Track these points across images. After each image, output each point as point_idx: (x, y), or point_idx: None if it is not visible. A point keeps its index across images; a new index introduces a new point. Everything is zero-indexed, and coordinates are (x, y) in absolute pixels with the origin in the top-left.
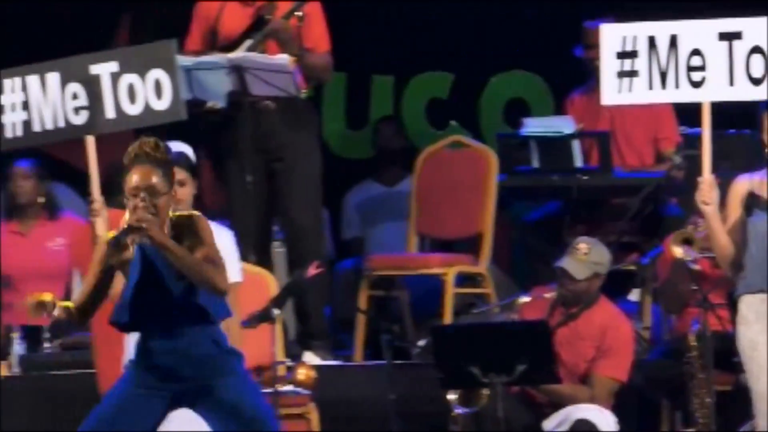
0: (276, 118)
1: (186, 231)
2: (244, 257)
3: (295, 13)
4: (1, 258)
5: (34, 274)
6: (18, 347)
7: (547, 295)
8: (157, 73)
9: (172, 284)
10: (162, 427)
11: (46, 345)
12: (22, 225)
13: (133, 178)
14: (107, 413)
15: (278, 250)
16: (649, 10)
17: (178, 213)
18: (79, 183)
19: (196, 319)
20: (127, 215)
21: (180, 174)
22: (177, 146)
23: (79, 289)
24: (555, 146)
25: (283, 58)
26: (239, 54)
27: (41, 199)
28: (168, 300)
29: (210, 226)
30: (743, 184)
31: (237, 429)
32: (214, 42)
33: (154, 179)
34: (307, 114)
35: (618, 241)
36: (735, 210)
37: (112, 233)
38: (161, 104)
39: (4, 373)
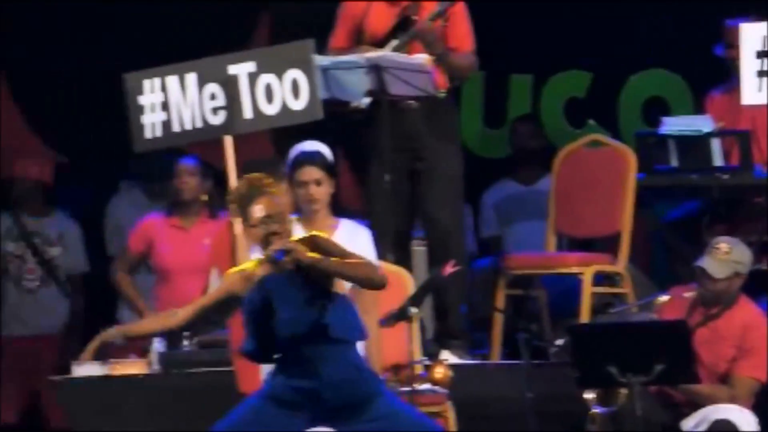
0: (418, 117)
1: (312, 249)
2: (382, 256)
3: (440, 15)
4: (161, 252)
5: (190, 270)
6: (157, 345)
7: (687, 295)
8: (294, 73)
9: (304, 312)
10: None
11: (185, 343)
12: (183, 220)
13: (258, 209)
14: (242, 423)
15: (418, 249)
16: None
17: (297, 238)
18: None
19: (332, 343)
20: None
21: (317, 173)
22: (314, 146)
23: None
24: (694, 145)
25: (421, 58)
26: (377, 53)
27: (204, 197)
28: (302, 327)
29: (328, 237)
30: None
31: None
32: (360, 41)
33: (277, 208)
34: (449, 113)
35: (759, 240)
36: None
37: (260, 258)
38: (298, 104)
39: (144, 370)
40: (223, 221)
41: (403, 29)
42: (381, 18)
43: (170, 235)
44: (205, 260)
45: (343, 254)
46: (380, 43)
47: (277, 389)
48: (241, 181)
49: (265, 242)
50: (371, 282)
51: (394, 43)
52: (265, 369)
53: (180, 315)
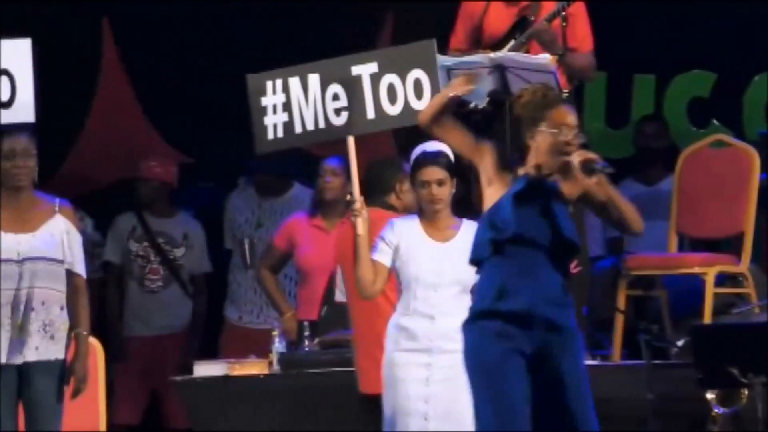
0: None
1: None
2: None
3: (559, 15)
4: (302, 253)
5: (330, 271)
6: (278, 345)
7: None
8: (416, 73)
9: (555, 224)
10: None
11: (306, 343)
12: (325, 221)
13: (564, 117)
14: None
15: None
16: None
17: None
18: None
19: (556, 262)
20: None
21: (439, 173)
22: (436, 146)
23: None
24: None
25: (544, 58)
26: (500, 53)
27: (348, 197)
28: (543, 238)
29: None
30: None
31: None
32: (479, 41)
33: (575, 120)
34: None
35: None
36: None
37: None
38: (421, 104)
39: (264, 371)
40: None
41: (521, 30)
42: (499, 18)
43: (312, 235)
44: None
45: None
46: (498, 44)
47: (494, 325)
48: (528, 90)
49: (557, 151)
50: (635, 225)
51: (512, 43)
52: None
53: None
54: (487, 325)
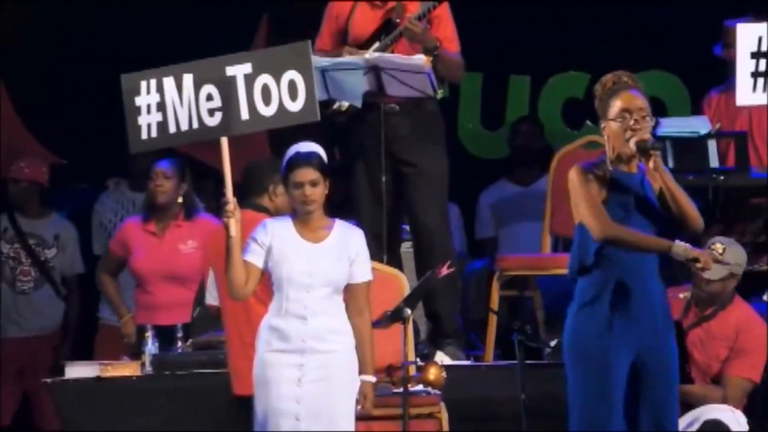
0: (402, 120)
1: None
2: (374, 257)
3: (425, 16)
4: (136, 258)
5: (164, 276)
6: (151, 347)
7: (682, 296)
8: (291, 75)
9: (659, 221)
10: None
11: (179, 345)
12: (158, 225)
13: (622, 102)
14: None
15: (406, 250)
16: None
17: None
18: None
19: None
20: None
21: (312, 174)
22: (309, 147)
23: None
24: (691, 146)
25: (419, 58)
26: (376, 54)
27: (180, 200)
28: (646, 229)
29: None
30: None
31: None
32: (344, 42)
33: (642, 103)
34: (434, 116)
35: (754, 241)
36: None
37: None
38: (295, 105)
39: (137, 372)
40: (202, 222)
41: (386, 32)
42: (365, 20)
43: (144, 240)
44: (182, 266)
45: None
46: (363, 46)
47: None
48: (607, 77)
49: (620, 137)
50: (697, 222)
51: (377, 45)
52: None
53: None
54: None
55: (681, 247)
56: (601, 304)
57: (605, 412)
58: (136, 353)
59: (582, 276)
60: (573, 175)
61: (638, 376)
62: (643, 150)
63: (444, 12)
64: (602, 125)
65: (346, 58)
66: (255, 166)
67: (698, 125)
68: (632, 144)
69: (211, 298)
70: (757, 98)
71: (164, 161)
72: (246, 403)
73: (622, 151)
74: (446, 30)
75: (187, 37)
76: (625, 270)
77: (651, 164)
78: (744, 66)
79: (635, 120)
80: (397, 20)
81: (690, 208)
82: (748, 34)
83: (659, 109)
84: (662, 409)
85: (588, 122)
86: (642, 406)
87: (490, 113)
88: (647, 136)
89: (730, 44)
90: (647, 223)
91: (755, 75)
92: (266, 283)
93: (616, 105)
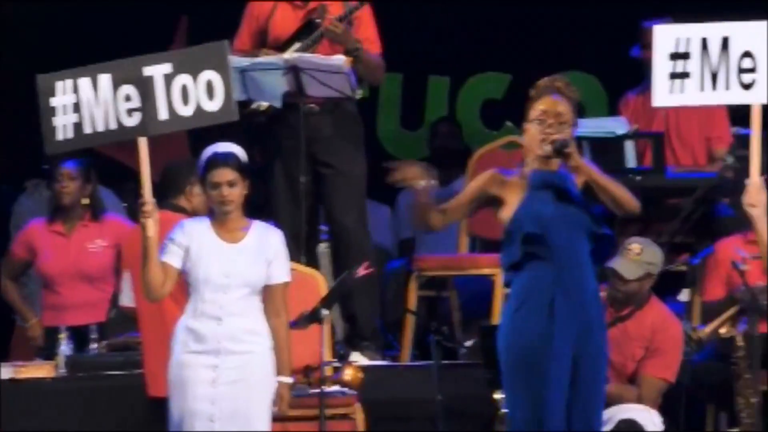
0: (320, 120)
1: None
2: (293, 257)
3: (347, 17)
4: (43, 259)
5: (73, 276)
6: (65, 348)
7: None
8: (209, 75)
9: (583, 215)
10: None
11: (93, 346)
12: (65, 226)
13: (542, 105)
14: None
15: (323, 251)
16: (706, 10)
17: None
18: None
19: (588, 256)
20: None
21: (230, 175)
22: (227, 147)
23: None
24: (608, 147)
25: (339, 59)
26: (295, 54)
27: (85, 201)
28: (573, 228)
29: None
30: None
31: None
32: (263, 43)
33: (562, 108)
34: (353, 116)
35: (670, 241)
36: None
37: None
38: (213, 105)
39: (51, 374)
40: (110, 223)
41: (307, 33)
42: (286, 21)
43: (51, 241)
44: (91, 265)
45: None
46: (284, 46)
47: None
48: (542, 80)
49: (535, 140)
50: (631, 206)
51: (297, 45)
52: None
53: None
54: None
55: None
56: (537, 304)
57: (545, 412)
58: (47, 355)
59: (515, 276)
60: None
61: (573, 375)
62: (557, 151)
63: (366, 13)
64: (524, 126)
65: (266, 58)
66: (172, 167)
67: (616, 126)
68: (546, 148)
69: (126, 300)
70: (675, 99)
71: (69, 162)
72: (161, 405)
73: (536, 153)
74: (368, 31)
75: (104, 37)
76: (559, 269)
77: (572, 163)
78: (661, 67)
79: (549, 124)
80: (319, 21)
81: (620, 192)
82: (665, 36)
83: (577, 110)
84: (590, 408)
85: (507, 123)
86: (574, 406)
87: (410, 114)
88: (558, 136)
89: (647, 45)
90: (570, 219)
91: (672, 76)
92: (181, 284)
93: (536, 108)
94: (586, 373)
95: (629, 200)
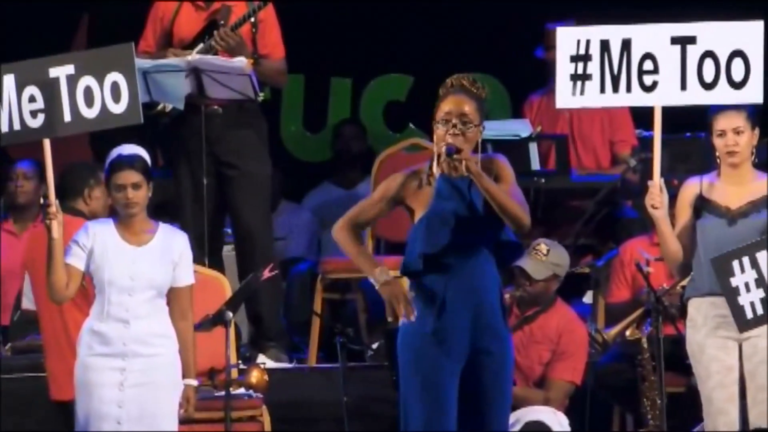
0: (224, 122)
1: (487, 171)
2: (197, 260)
3: (249, 20)
4: None
5: (21, 275)
6: None
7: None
8: (114, 76)
9: (482, 221)
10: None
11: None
12: (17, 225)
13: (447, 106)
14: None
15: (228, 253)
16: (608, 12)
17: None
18: None
19: (489, 260)
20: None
21: (134, 177)
22: (132, 149)
23: None
24: (512, 149)
25: (241, 61)
26: (197, 56)
27: (41, 201)
28: (472, 235)
29: (511, 167)
30: (693, 186)
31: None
32: (168, 44)
33: (467, 108)
34: (257, 118)
35: (575, 243)
36: (685, 212)
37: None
38: (118, 107)
39: None
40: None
41: (210, 34)
42: (190, 22)
43: (2, 240)
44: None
45: (512, 188)
46: (188, 47)
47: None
48: (449, 79)
49: (440, 141)
50: (520, 223)
51: (200, 47)
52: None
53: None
54: None
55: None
56: (432, 306)
57: (437, 414)
58: None
59: (414, 278)
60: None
61: (470, 378)
62: (448, 156)
63: (270, 16)
64: (434, 127)
65: (168, 60)
66: (70, 170)
67: (519, 128)
68: (438, 151)
69: (28, 302)
70: (577, 101)
71: (25, 162)
72: (64, 408)
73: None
74: (272, 35)
75: (3, 38)
76: (456, 271)
77: (462, 170)
78: (564, 69)
79: (454, 125)
80: (222, 22)
81: (511, 209)
82: (568, 38)
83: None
84: (492, 410)
85: (410, 125)
86: (475, 407)
87: (313, 116)
88: (448, 140)
89: (551, 47)
90: (469, 227)
91: (575, 78)
92: (83, 286)
93: (442, 109)
94: (487, 374)
95: (519, 217)
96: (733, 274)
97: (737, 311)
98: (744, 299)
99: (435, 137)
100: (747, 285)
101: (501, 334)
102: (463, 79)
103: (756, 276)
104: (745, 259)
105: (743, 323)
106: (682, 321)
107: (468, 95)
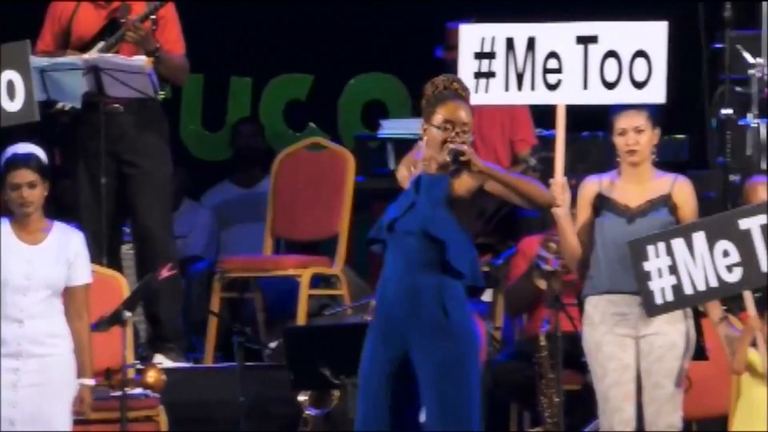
0: (125, 121)
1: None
2: (94, 259)
3: (150, 17)
4: None
5: None
6: None
7: None
8: (9, 75)
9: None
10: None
11: None
12: None
13: (446, 113)
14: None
15: (127, 252)
16: (511, 13)
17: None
18: None
19: (440, 267)
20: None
21: (30, 176)
22: (27, 148)
23: None
24: (412, 148)
25: (140, 60)
26: (95, 55)
27: None
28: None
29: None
30: (592, 185)
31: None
32: (67, 43)
33: (465, 117)
34: (158, 117)
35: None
36: (584, 211)
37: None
38: (14, 106)
39: None
40: None
41: (110, 32)
42: (89, 20)
43: None
44: None
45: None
46: (88, 46)
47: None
48: (430, 84)
49: (441, 148)
50: (541, 200)
51: (101, 45)
52: None
53: None
54: None
55: None
56: (378, 303)
57: (371, 412)
58: None
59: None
60: None
61: (416, 376)
62: (454, 160)
63: (170, 13)
64: (423, 126)
65: (66, 58)
66: None
67: (419, 127)
68: (445, 157)
69: None
70: (481, 98)
71: None
72: None
73: (436, 158)
74: (172, 32)
75: None
76: (393, 270)
77: (473, 169)
78: (466, 66)
79: (456, 133)
80: (122, 20)
81: (530, 188)
82: (471, 35)
83: (380, 111)
84: (446, 409)
85: (311, 124)
86: (428, 407)
87: (212, 115)
88: (453, 146)
89: (451, 46)
90: (421, 224)
91: (478, 75)
92: None
93: (440, 113)
94: (427, 374)
95: (541, 194)
96: (647, 259)
97: (647, 296)
98: (655, 284)
99: (427, 137)
100: (660, 271)
101: (442, 337)
102: (454, 83)
103: (669, 263)
104: (661, 245)
105: (651, 308)
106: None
107: (463, 102)
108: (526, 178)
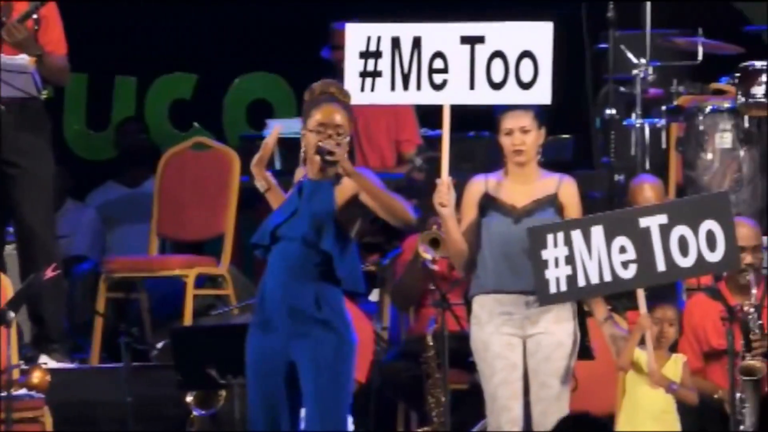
0: (6, 121)
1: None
2: None
3: (31, 16)
4: None
5: None
6: None
7: None
8: None
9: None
10: None
11: None
12: None
13: (320, 116)
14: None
15: (10, 252)
16: (399, 12)
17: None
18: None
19: (321, 274)
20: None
21: None
22: None
23: None
24: (297, 147)
25: (23, 59)
26: None
27: None
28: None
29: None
30: (478, 185)
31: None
32: None
33: (340, 119)
34: (40, 116)
35: (360, 241)
36: (470, 211)
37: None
38: None
39: None
40: None
41: None
42: None
43: None
44: None
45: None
46: None
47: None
48: (317, 84)
49: (312, 149)
50: (404, 218)
51: None
52: None
53: None
54: None
55: None
56: (258, 308)
57: (264, 413)
58: None
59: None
60: None
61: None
62: (321, 158)
63: (52, 13)
64: (302, 132)
65: None
66: None
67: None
68: (316, 157)
69: None
70: (367, 98)
71: None
72: None
73: (312, 161)
74: (54, 32)
75: None
76: (274, 275)
77: (340, 170)
78: (352, 65)
79: (329, 135)
80: (4, 19)
81: (393, 203)
82: (357, 34)
83: (266, 111)
84: (322, 412)
85: (195, 124)
86: (308, 408)
87: (96, 114)
88: (321, 144)
89: (337, 46)
90: (304, 231)
91: (363, 75)
92: None
93: (314, 117)
94: (306, 374)
95: (403, 212)
96: (545, 247)
97: (541, 284)
98: (550, 273)
99: (304, 142)
100: (556, 260)
101: (323, 340)
102: (331, 87)
103: (567, 253)
104: (560, 235)
105: (544, 297)
106: (467, 318)
107: (339, 104)
108: (394, 195)
